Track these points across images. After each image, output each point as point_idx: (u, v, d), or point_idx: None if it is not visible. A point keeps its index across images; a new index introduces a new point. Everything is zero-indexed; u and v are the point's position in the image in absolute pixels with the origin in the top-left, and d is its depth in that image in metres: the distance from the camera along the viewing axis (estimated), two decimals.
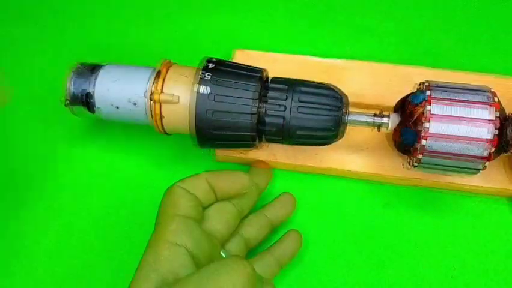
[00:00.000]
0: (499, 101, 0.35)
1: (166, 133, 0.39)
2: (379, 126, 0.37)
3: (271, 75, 0.38)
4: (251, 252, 0.38)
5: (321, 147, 0.40)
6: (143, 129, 0.44)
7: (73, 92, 0.38)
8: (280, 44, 0.49)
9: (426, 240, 0.40)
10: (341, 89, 0.43)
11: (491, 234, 0.40)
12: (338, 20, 0.51)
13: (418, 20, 0.51)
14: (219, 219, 0.35)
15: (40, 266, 0.40)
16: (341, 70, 0.45)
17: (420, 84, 0.37)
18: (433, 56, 0.49)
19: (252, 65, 0.38)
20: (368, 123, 0.37)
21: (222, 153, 0.42)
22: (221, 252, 0.35)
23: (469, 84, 0.36)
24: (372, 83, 0.44)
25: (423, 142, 0.34)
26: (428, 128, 0.34)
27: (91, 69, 0.39)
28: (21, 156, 0.45)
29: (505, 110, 0.35)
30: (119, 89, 0.38)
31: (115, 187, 0.43)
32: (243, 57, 0.46)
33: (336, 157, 0.41)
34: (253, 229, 0.38)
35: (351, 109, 0.38)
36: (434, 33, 0.50)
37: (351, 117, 0.37)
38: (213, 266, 0.28)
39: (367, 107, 0.43)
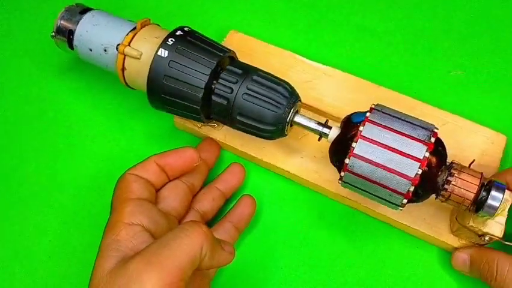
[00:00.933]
0: (438, 142, 0.34)
1: (128, 86, 0.41)
2: (320, 135, 0.37)
3: (255, 63, 0.39)
4: (209, 225, 0.40)
5: (270, 141, 0.41)
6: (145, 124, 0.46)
7: (59, 26, 0.41)
8: (275, 35, 0.50)
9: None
10: (316, 94, 0.44)
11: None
12: (337, 19, 0.51)
13: (418, 20, 0.51)
14: (173, 197, 0.37)
15: (40, 266, 0.40)
16: (324, 76, 0.45)
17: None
18: (433, 56, 0.48)
19: (238, 48, 0.39)
20: (311, 129, 0.37)
21: (180, 121, 0.44)
22: None
23: (415, 118, 0.35)
24: (348, 97, 0.44)
25: (347, 160, 0.33)
26: (353, 148, 0.33)
27: (82, 11, 0.42)
28: (19, 155, 0.45)
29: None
30: (96, 33, 0.40)
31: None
32: (235, 39, 0.47)
33: (279, 155, 0.42)
34: (207, 202, 0.40)
35: (302, 112, 0.38)
36: (434, 33, 0.50)
37: (296, 119, 0.37)
38: (171, 233, 0.30)
39: (335, 119, 0.43)
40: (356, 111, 0.36)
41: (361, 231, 0.40)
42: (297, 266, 0.40)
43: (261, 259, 0.40)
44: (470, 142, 0.41)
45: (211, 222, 0.40)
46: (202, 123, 0.42)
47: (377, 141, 0.33)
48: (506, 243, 0.35)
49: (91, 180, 0.44)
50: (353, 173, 0.34)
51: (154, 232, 0.33)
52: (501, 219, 0.35)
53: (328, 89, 0.44)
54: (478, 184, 0.33)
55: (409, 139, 0.33)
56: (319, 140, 0.37)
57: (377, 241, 0.40)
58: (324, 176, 0.40)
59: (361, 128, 0.33)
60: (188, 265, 0.29)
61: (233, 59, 0.40)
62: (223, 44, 0.47)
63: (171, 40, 0.37)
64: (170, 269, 0.28)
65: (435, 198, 0.35)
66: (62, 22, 0.41)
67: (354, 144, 0.33)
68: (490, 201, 0.33)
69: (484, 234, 0.35)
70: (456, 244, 0.38)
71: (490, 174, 0.38)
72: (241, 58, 0.41)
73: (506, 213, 0.35)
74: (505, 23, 0.50)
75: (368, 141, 0.33)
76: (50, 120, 0.46)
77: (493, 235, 0.35)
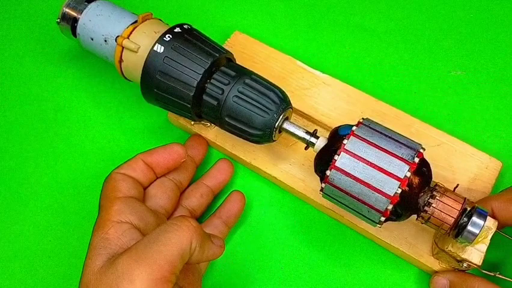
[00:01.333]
0: (423, 163, 0.33)
1: (126, 78, 0.42)
2: (308, 144, 0.37)
3: (256, 67, 0.39)
4: (198, 221, 0.39)
5: (259, 145, 0.41)
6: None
7: (64, 14, 0.42)
8: (275, 35, 0.50)
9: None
10: (312, 103, 0.43)
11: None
12: (337, 19, 0.51)
13: (418, 20, 0.50)
14: (160, 195, 0.37)
15: (40, 266, 0.40)
16: (323, 85, 0.45)
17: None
18: (433, 56, 0.48)
19: (240, 49, 0.39)
20: (298, 137, 0.37)
21: (173, 116, 0.44)
22: None
23: (403, 136, 0.34)
24: (344, 108, 0.43)
25: (328, 172, 0.33)
26: (335, 160, 0.33)
27: (88, 0, 0.42)
28: (19, 155, 0.45)
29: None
30: (98, 23, 0.41)
31: None
32: (238, 39, 0.47)
33: (268, 160, 0.42)
34: (195, 199, 0.40)
35: (294, 119, 0.38)
36: (434, 33, 0.49)
37: (284, 125, 0.37)
38: (159, 228, 0.30)
39: (328, 129, 0.42)
40: (347, 123, 0.36)
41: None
42: (297, 266, 0.40)
43: (261, 259, 0.40)
44: (464, 165, 0.41)
45: (200, 219, 0.41)
46: (194, 121, 0.43)
47: (359, 156, 0.33)
48: (484, 272, 0.35)
49: (91, 180, 0.44)
50: (333, 186, 0.33)
51: (143, 230, 0.33)
52: (482, 246, 0.34)
53: (325, 98, 0.44)
54: (459, 209, 0.33)
55: (392, 157, 0.32)
56: (306, 149, 0.37)
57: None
58: (310, 185, 0.40)
59: (345, 141, 0.33)
60: (178, 259, 0.29)
61: (230, 61, 0.40)
62: (226, 43, 0.47)
63: (168, 36, 0.38)
64: (160, 263, 0.28)
65: (416, 219, 0.34)
66: (67, 10, 0.42)
67: (336, 157, 0.33)
68: (470, 228, 0.32)
69: (462, 260, 0.34)
70: (436, 267, 0.37)
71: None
72: (243, 60, 0.41)
73: (489, 241, 0.34)
74: (505, 23, 0.50)
75: (351, 155, 0.33)
76: (50, 120, 0.47)
77: (471, 262, 0.34)
